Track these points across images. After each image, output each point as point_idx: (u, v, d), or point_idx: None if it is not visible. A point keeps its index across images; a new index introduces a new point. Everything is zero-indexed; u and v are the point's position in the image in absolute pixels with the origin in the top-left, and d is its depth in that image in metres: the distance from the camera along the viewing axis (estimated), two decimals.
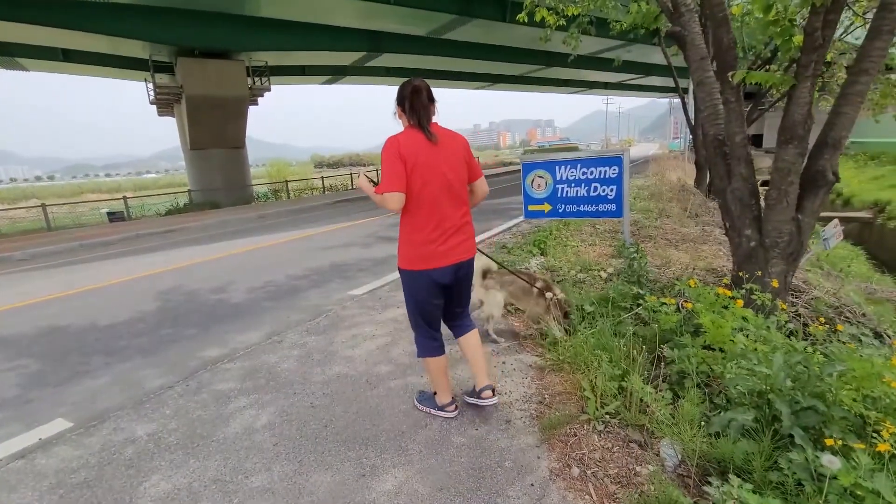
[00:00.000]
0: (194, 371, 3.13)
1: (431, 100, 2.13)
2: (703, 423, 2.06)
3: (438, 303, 2.24)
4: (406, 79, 2.19)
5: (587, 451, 2.07)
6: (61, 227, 14.32)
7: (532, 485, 1.90)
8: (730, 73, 2.92)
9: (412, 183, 2.04)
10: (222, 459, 2.16)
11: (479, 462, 2.05)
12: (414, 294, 2.21)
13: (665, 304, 2.88)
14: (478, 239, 6.89)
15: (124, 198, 16.60)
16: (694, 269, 4.21)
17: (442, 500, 1.84)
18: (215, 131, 17.94)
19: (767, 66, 7.32)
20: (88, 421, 2.58)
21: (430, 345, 2.29)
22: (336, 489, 1.92)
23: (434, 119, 2.15)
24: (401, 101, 2.11)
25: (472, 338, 2.40)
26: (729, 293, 2.53)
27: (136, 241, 10.42)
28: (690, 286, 2.70)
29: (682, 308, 2.90)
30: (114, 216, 15.83)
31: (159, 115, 21.98)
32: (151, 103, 18.86)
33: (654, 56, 23.27)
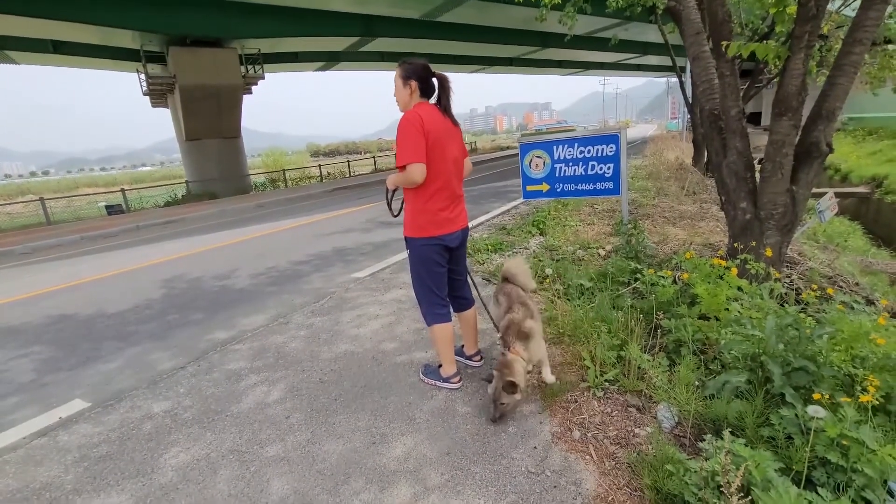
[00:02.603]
0: (204, 352, 3.21)
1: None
2: (698, 387, 2.15)
3: (445, 267, 2.39)
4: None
5: (587, 415, 2.16)
6: (60, 221, 14.31)
7: (535, 447, 1.99)
8: (723, 44, 2.94)
9: (433, 155, 2.17)
10: (237, 432, 2.25)
11: (484, 429, 2.14)
12: (424, 261, 2.33)
13: (662, 276, 2.95)
14: (477, 222, 6.99)
15: (122, 190, 16.56)
16: (691, 244, 4.28)
17: (449, 463, 1.93)
18: (210, 121, 17.80)
19: (764, 43, 7.28)
20: (105, 401, 2.67)
21: (438, 312, 2.39)
22: (349, 455, 2.01)
23: (433, 101, 2.26)
24: (418, 78, 2.21)
25: (470, 314, 2.65)
26: (724, 263, 2.60)
27: (136, 232, 10.45)
28: (687, 258, 2.77)
29: (679, 280, 2.97)
30: (112, 209, 15.80)
31: (153, 107, 21.82)
32: (144, 94, 18.69)
33: (651, 34, 23.00)
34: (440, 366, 2.52)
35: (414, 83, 2.21)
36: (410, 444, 2.07)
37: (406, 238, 2.35)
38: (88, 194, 24.32)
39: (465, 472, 1.87)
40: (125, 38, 16.38)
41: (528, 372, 2.30)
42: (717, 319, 2.46)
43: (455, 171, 2.31)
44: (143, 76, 17.03)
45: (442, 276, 2.38)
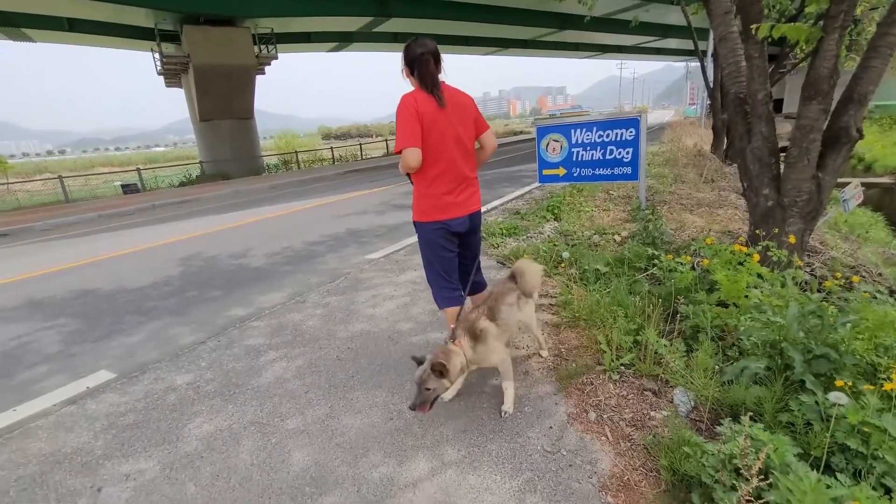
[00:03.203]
0: (224, 328, 3.28)
1: (438, 61, 2.17)
2: (715, 372, 2.14)
3: (453, 252, 2.36)
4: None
5: (603, 398, 2.17)
6: (78, 200, 14.55)
7: (551, 427, 2.01)
8: (753, 27, 2.85)
9: (429, 139, 2.11)
10: (258, 405, 2.31)
11: (500, 408, 2.17)
12: (431, 245, 2.31)
13: (681, 263, 2.93)
14: (491, 206, 6.95)
15: (138, 170, 16.73)
16: (709, 231, 4.22)
17: (466, 440, 1.96)
18: (223, 102, 17.82)
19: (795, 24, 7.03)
20: (130, 372, 2.75)
21: (449, 295, 2.37)
22: (367, 430, 2.06)
23: (441, 78, 2.18)
24: (410, 63, 2.15)
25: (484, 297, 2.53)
26: (745, 250, 2.57)
27: (152, 211, 10.59)
28: (707, 244, 2.73)
29: (698, 267, 2.95)
30: (128, 188, 16.01)
31: (167, 87, 21.82)
32: (159, 74, 18.72)
33: (672, 16, 22.37)
34: None
35: (406, 68, 2.18)
36: (427, 421, 2.10)
37: (413, 222, 2.34)
38: (104, 173, 24.61)
39: (481, 450, 1.91)
40: (139, 17, 16.35)
41: (469, 371, 2.10)
42: (736, 306, 2.44)
43: (460, 152, 2.22)
44: (157, 55, 17.05)
45: (450, 260, 2.35)
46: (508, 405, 2.13)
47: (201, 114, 18.12)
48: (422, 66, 2.11)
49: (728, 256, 2.69)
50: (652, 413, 2.05)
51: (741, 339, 2.21)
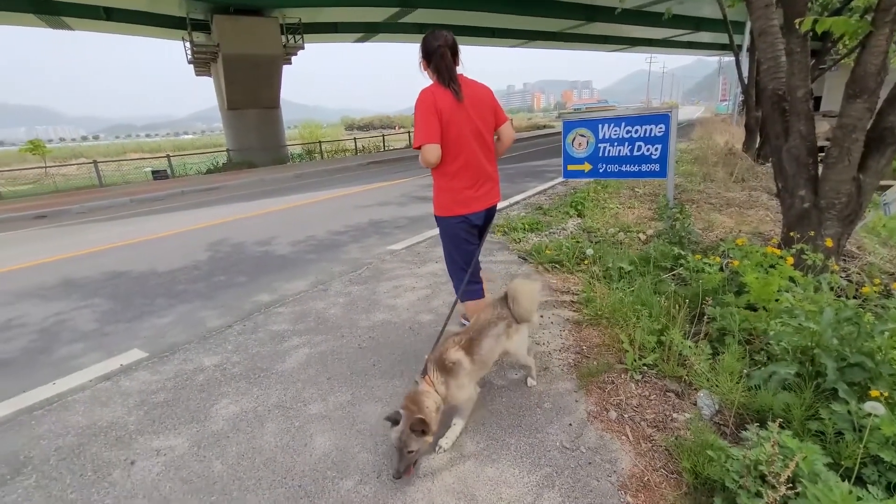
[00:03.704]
0: (249, 313, 3.36)
1: (455, 54, 2.16)
2: (742, 377, 2.09)
3: (475, 244, 2.37)
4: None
5: (624, 397, 2.15)
6: (111, 184, 15.06)
7: (570, 424, 2.01)
8: (797, 21, 2.73)
9: (448, 134, 2.12)
10: (282, 389, 2.37)
11: (519, 402, 2.17)
12: (453, 238, 2.33)
13: (708, 263, 2.86)
14: (512, 201, 6.91)
15: (167, 156, 17.18)
16: (739, 232, 4.11)
17: (485, 433, 1.97)
18: (250, 91, 18.10)
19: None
20: (161, 352, 2.85)
21: (470, 288, 2.41)
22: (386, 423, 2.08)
23: (459, 70, 2.18)
24: (427, 56, 2.14)
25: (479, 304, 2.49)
26: (778, 252, 2.49)
27: (181, 197, 10.88)
28: (738, 245, 2.66)
29: (726, 268, 2.87)
30: (157, 174, 16.46)
31: (197, 75, 22.27)
32: (189, 62, 19.10)
33: (706, 9, 21.65)
34: None
35: (423, 61, 2.17)
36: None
37: (435, 217, 2.37)
38: (135, 159, 25.38)
39: (500, 443, 1.92)
40: (172, 6, 16.70)
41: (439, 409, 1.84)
42: (766, 310, 2.38)
43: (480, 146, 2.21)
44: (188, 44, 17.40)
45: (471, 253, 2.37)
46: (447, 441, 1.90)
47: (229, 102, 18.47)
48: (439, 60, 2.10)
49: (759, 258, 2.61)
50: (674, 415, 2.02)
51: (770, 344, 2.15)
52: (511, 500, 1.63)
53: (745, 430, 1.77)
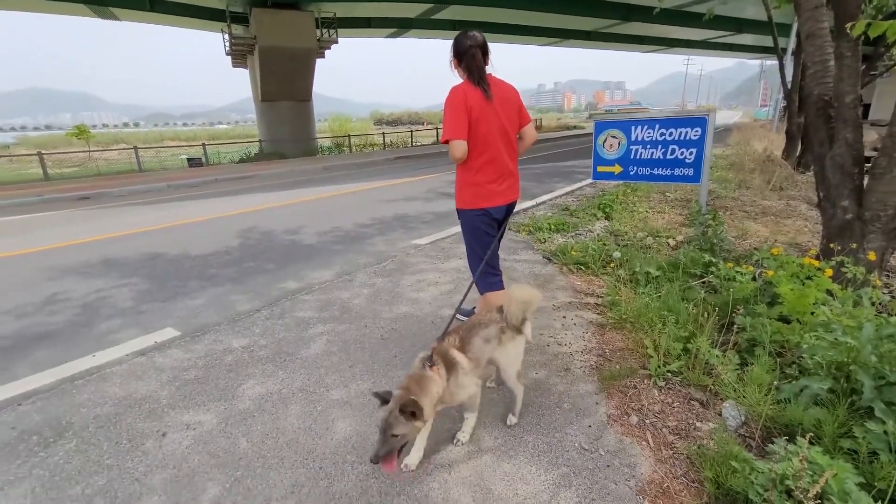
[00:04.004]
0: (277, 299, 3.46)
1: (486, 54, 2.22)
2: (770, 389, 2.04)
3: (494, 237, 2.43)
4: (456, 33, 2.28)
5: (646, 403, 2.12)
6: (149, 170, 15.65)
7: (590, 426, 1.99)
8: (848, 24, 2.62)
9: (476, 131, 2.19)
10: (306, 374, 2.43)
11: (539, 401, 2.17)
12: (474, 231, 2.40)
13: (740, 272, 2.78)
14: (539, 200, 6.86)
15: (203, 145, 17.74)
16: (775, 241, 3.97)
17: (503, 429, 1.98)
18: (284, 83, 18.48)
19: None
20: (193, 332, 2.96)
21: (490, 280, 2.46)
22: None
23: (489, 70, 2.25)
24: (458, 55, 2.22)
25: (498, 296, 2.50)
26: (816, 263, 2.40)
27: (215, 184, 11.22)
28: (773, 254, 2.58)
29: (759, 278, 2.79)
30: (193, 161, 17.00)
31: (234, 67, 22.86)
32: (227, 54, 19.63)
33: (750, 10, 20.87)
34: None
35: (455, 59, 2.25)
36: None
37: (457, 210, 2.44)
38: (172, 146, 26.23)
39: (517, 440, 1.92)
40: None
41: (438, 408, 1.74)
42: (800, 323, 2.30)
43: (505, 143, 2.30)
44: (226, 36, 17.88)
45: (491, 245, 2.43)
46: (465, 434, 1.89)
47: (263, 94, 18.90)
48: (470, 59, 2.18)
49: (795, 269, 2.53)
50: (698, 424, 1.98)
51: (803, 357, 2.08)
52: (527, 496, 1.64)
53: (772, 443, 1.72)
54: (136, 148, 16.04)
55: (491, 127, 2.22)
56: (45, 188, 11.04)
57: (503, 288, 2.52)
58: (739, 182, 7.35)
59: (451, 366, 1.77)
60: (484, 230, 2.39)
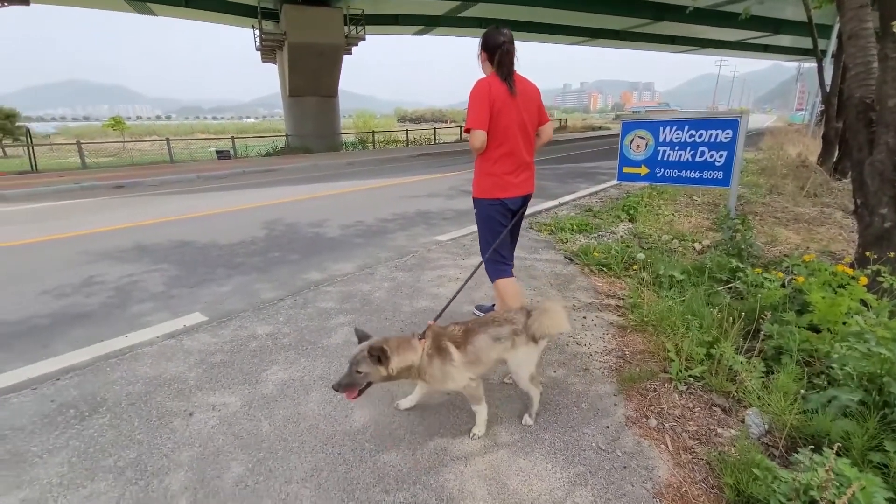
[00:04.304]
0: (300, 289, 3.53)
1: (513, 51, 2.31)
2: (797, 399, 1.98)
3: (507, 228, 2.51)
4: (483, 31, 2.35)
5: (666, 406, 2.09)
6: (180, 161, 16.12)
7: (607, 427, 1.98)
8: (894, 23, 2.52)
9: (498, 123, 2.29)
10: (327, 362, 2.48)
11: (556, 400, 2.17)
12: (488, 220, 2.49)
13: (769, 278, 2.71)
14: (562, 200, 6.80)
15: (232, 138, 18.18)
16: (806, 249, 3.85)
17: (519, 425, 1.99)
18: (312, 79, 18.76)
19: None
20: (219, 317, 3.06)
21: (501, 268, 2.55)
22: (424, 402, 2.14)
23: (515, 67, 2.33)
24: (490, 49, 2.30)
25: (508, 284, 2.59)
26: (850, 272, 2.33)
27: (242, 176, 11.49)
28: (805, 261, 2.51)
29: (789, 285, 2.71)
30: (221, 154, 17.45)
31: (263, 62, 23.29)
32: (257, 49, 20.01)
33: (788, 10, 20.15)
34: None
35: (484, 53, 2.33)
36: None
37: (474, 199, 2.54)
38: (201, 139, 26.96)
39: (534, 437, 1.93)
40: None
41: (412, 379, 1.87)
42: (831, 332, 2.23)
43: (523, 138, 2.38)
44: (257, 32, 18.25)
45: (503, 234, 2.51)
46: (479, 429, 1.92)
47: (291, 90, 19.22)
48: (504, 55, 2.27)
49: (827, 277, 2.45)
50: (719, 430, 1.95)
51: (832, 368, 2.02)
52: (542, 492, 1.64)
53: (797, 453, 1.68)
54: (167, 140, 16.54)
55: (512, 121, 2.30)
56: (83, 176, 11.49)
57: (512, 276, 2.60)
58: (771, 187, 7.13)
59: (440, 351, 1.81)
60: (498, 220, 2.47)
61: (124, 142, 20.87)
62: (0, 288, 3.74)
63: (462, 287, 2.31)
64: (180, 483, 1.69)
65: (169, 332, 2.86)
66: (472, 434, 1.93)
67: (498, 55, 2.26)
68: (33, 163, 14.00)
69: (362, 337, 1.79)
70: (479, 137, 2.27)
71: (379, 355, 1.68)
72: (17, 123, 25.04)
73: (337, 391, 1.71)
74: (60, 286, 3.76)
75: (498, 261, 2.54)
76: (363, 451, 1.84)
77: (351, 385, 1.71)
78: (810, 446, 1.74)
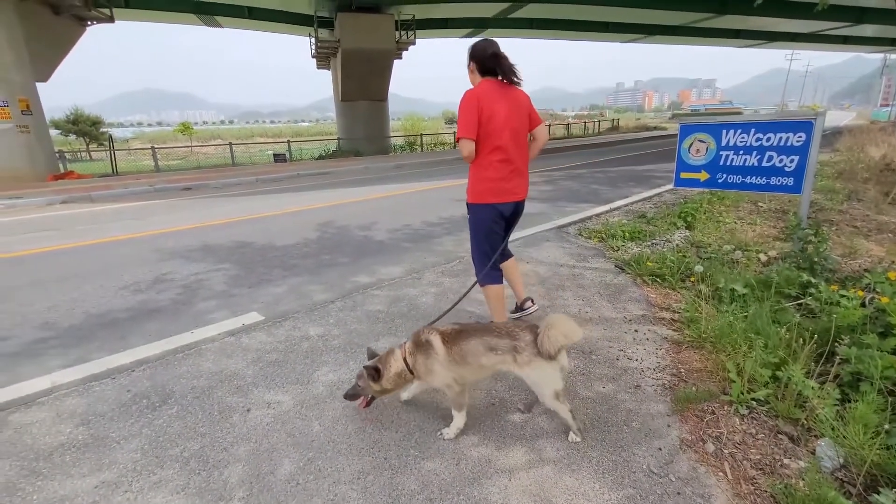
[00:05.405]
0: (350, 292, 3.65)
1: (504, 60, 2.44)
2: (880, 432, 1.81)
3: (501, 232, 2.62)
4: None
5: (726, 431, 1.98)
6: (240, 164, 17.09)
7: (660, 449, 1.90)
8: None
9: (489, 130, 2.38)
10: None
11: (605, 417, 2.10)
12: (482, 225, 2.57)
13: (846, 296, 2.49)
14: (613, 206, 6.57)
15: (287, 142, 19.05)
16: (892, 263, 3.49)
17: (566, 441, 1.94)
18: (363, 84, 19.32)
19: None
20: (275, 318, 3.22)
21: (492, 274, 2.66)
22: (469, 410, 2.14)
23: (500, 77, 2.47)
24: (480, 61, 2.43)
25: (511, 261, 2.94)
26: None
27: (297, 179, 12.01)
28: (890, 278, 2.28)
29: (870, 304, 2.48)
30: (278, 157, 18.32)
31: (318, 68, 24.29)
32: (313, 56, 20.88)
33: None
34: (492, 321, 2.69)
35: (472, 64, 2.46)
36: (528, 414, 2.13)
37: (467, 204, 2.61)
38: (259, 143, 28.48)
39: (581, 454, 1.88)
40: (303, 4, 18.39)
41: (409, 380, 2.02)
42: None
43: (515, 144, 2.45)
44: (313, 40, 19.04)
45: (497, 240, 2.61)
46: (449, 432, 1.98)
47: (343, 94, 19.89)
48: (500, 61, 2.39)
49: None
50: (785, 460, 1.81)
51: None
52: None
53: (877, 493, 1.54)
54: (230, 144, 17.60)
55: (503, 128, 2.39)
56: (156, 178, 12.45)
57: (502, 283, 2.71)
58: (849, 193, 6.54)
59: (421, 346, 1.95)
60: (490, 225, 2.55)
61: (192, 146, 22.44)
62: (87, 281, 4.13)
63: (463, 297, 2.53)
64: (238, 476, 1.79)
65: (229, 330, 3.04)
66: (439, 434, 2.00)
67: (492, 64, 2.40)
68: (114, 166, 15.36)
69: (371, 353, 2.07)
70: (466, 146, 2.38)
71: (371, 374, 1.96)
72: (101, 129, 27.60)
73: (346, 399, 2.08)
74: (136, 282, 4.10)
75: (490, 266, 2.61)
76: (408, 458, 1.87)
77: (355, 395, 2.06)
78: (894, 488, 1.58)
